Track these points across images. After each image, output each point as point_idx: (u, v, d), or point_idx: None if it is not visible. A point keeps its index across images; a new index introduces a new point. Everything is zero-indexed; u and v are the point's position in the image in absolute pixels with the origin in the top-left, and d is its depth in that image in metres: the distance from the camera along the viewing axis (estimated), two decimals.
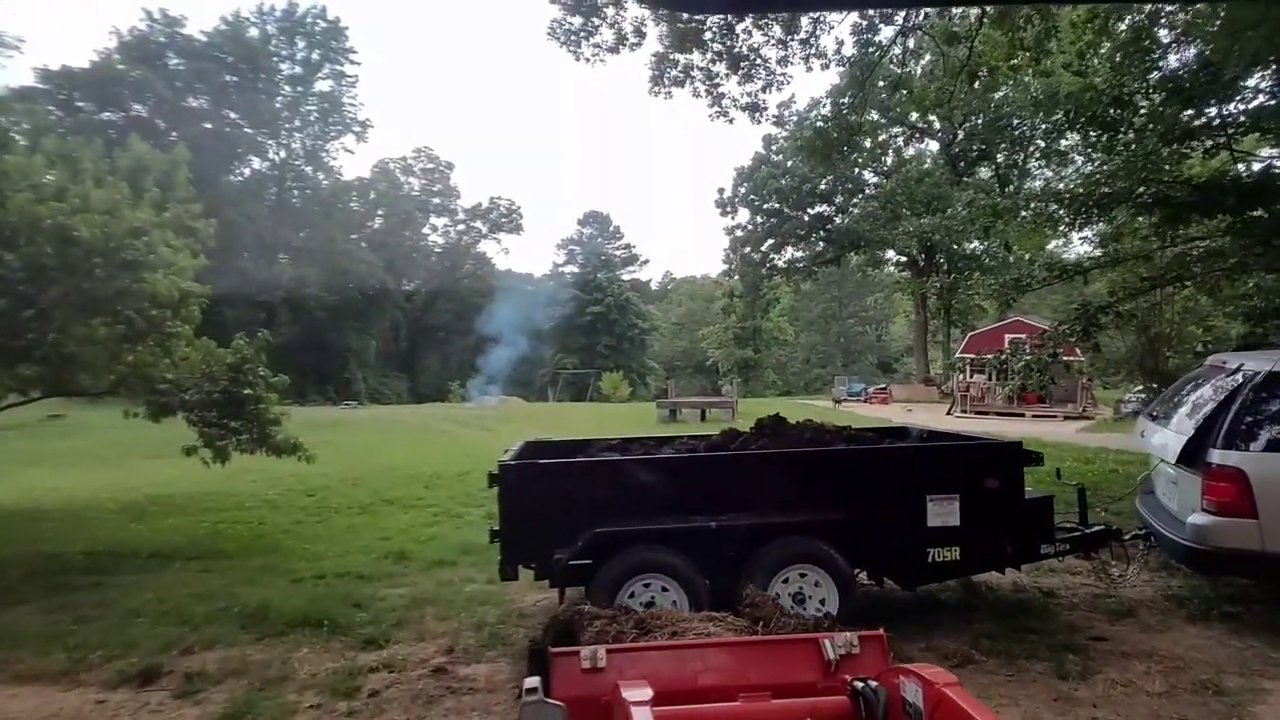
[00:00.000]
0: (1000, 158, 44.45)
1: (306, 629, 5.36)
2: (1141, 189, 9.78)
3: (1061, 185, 13.11)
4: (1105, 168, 10.76)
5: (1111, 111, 9.27)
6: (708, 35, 14.02)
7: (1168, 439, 5.66)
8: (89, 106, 46.84)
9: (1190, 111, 9.17)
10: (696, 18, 13.35)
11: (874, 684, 2.90)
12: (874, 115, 30.82)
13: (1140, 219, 11.13)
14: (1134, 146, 10.24)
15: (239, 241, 50.29)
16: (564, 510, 4.91)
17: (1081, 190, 9.91)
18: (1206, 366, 6.23)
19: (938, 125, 44.14)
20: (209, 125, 52.09)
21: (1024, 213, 11.62)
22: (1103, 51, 11.14)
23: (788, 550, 4.81)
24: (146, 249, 7.86)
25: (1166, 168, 9.96)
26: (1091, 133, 10.18)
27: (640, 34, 14.09)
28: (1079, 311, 9.95)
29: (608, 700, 3.57)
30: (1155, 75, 9.31)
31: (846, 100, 18.30)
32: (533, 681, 2.43)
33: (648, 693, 2.63)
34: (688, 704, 3.77)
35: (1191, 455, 5.14)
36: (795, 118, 41.89)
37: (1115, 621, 5.34)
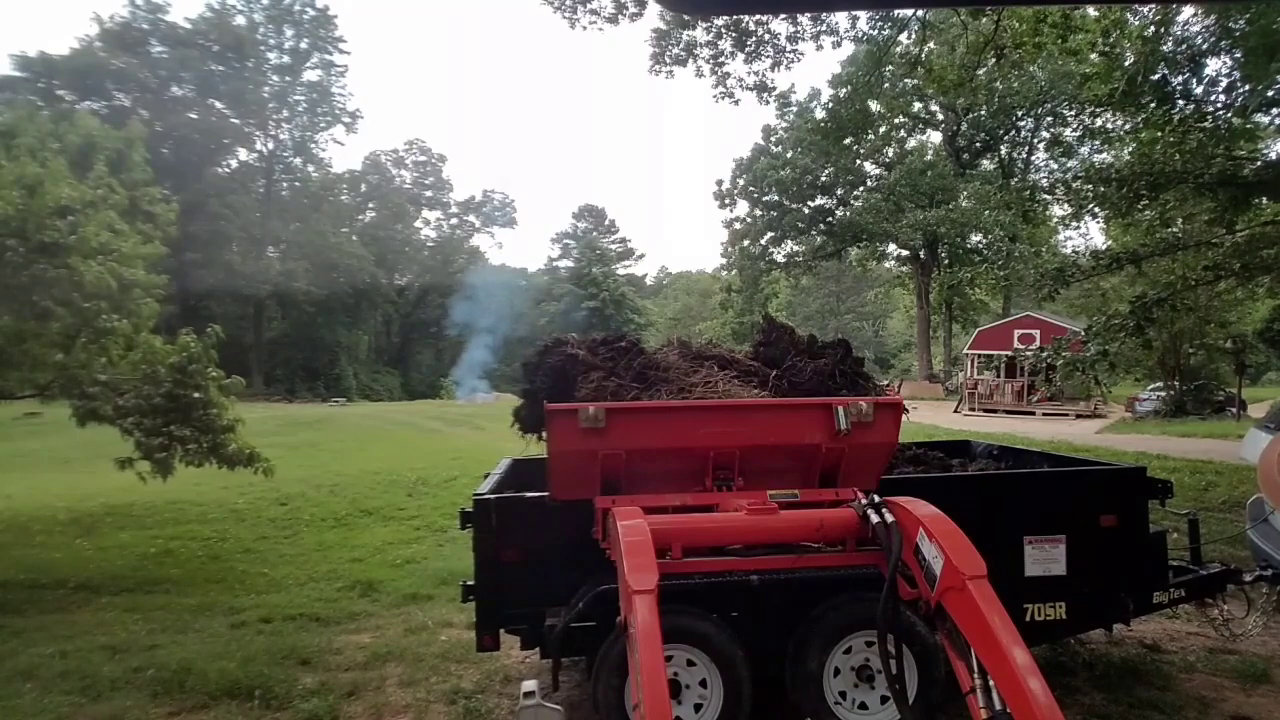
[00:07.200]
0: (1004, 150, 43.50)
1: (234, 700, 4.26)
2: (1203, 165, 8.73)
3: (1105, 161, 12.04)
4: (1158, 145, 9.71)
5: (1184, 76, 8.19)
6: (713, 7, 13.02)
7: None
8: (70, 96, 45.44)
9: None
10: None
11: (890, 519, 2.74)
12: (876, 106, 29.57)
13: (1191, 202, 10.10)
14: (1193, 120, 9.18)
15: (225, 235, 49.18)
16: (560, 558, 3.81)
17: (1138, 167, 8.83)
18: None
19: (940, 116, 43.11)
20: (194, 115, 50.76)
21: (1061, 196, 10.55)
22: (1130, 28, 10.23)
23: (851, 612, 3.66)
24: (69, 229, 6.72)
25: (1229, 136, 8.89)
26: (1146, 105, 9.08)
27: (641, 3, 13.06)
28: (1134, 305, 8.90)
29: (606, 455, 3.31)
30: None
31: (858, 80, 17.26)
32: (530, 685, 2.42)
33: (641, 524, 2.66)
34: (692, 464, 3.47)
35: None
36: (796, 107, 40.91)
37: (1251, 690, 4.27)
